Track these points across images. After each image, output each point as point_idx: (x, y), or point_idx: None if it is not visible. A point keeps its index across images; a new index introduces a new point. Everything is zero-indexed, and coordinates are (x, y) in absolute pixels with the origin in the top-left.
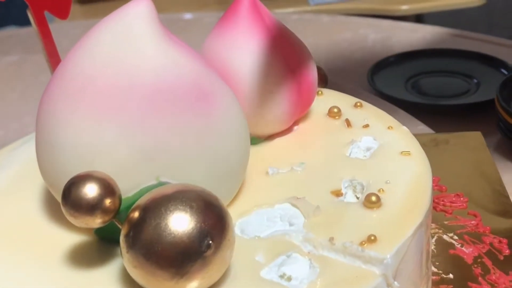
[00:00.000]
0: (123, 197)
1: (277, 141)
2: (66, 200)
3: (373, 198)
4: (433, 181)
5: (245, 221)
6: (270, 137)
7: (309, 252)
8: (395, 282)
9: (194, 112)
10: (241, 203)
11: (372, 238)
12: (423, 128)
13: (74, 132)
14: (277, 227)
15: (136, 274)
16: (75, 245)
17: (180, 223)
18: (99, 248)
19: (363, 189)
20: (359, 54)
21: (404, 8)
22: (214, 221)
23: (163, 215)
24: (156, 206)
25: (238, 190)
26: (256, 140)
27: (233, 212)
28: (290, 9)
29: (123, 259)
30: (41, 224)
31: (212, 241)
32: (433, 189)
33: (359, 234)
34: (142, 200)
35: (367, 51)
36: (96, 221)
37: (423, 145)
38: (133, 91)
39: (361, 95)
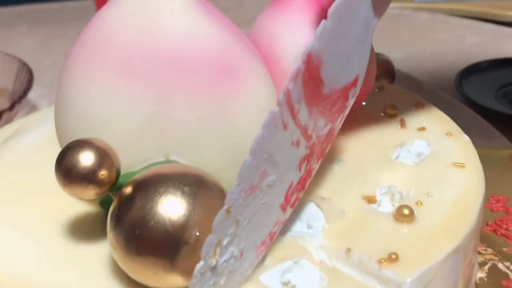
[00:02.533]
0: (128, 170)
1: None
2: (59, 166)
3: (406, 211)
4: (500, 201)
5: None
6: None
7: (321, 262)
8: None
9: (215, 88)
10: None
11: (394, 256)
12: (503, 141)
13: (87, 94)
14: (292, 227)
15: (116, 257)
16: (81, 215)
17: (168, 208)
18: (104, 221)
19: (401, 198)
20: (452, 56)
21: None
22: (206, 210)
23: (151, 196)
24: (147, 185)
25: None
26: None
27: None
28: (394, 4)
29: (108, 239)
30: (56, 192)
31: (199, 232)
32: (494, 210)
33: (380, 250)
34: (138, 176)
35: (462, 54)
36: (88, 193)
37: (499, 159)
38: (152, 56)
39: (441, 98)
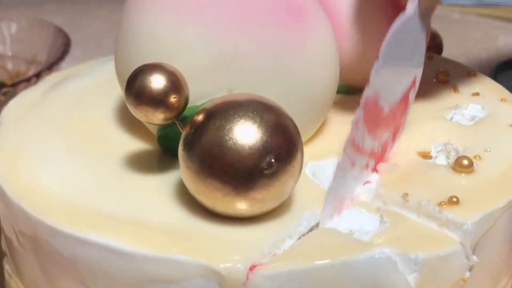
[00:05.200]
0: (191, 105)
1: None
2: (130, 88)
3: (465, 162)
4: None
5: (319, 165)
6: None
7: (378, 208)
8: (474, 256)
9: (282, 26)
10: (316, 146)
11: (454, 200)
12: None
13: (153, 24)
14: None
15: (187, 176)
16: (136, 153)
17: (246, 131)
18: (160, 159)
19: (456, 155)
20: (485, 54)
21: None
22: (282, 140)
23: (230, 118)
24: (225, 109)
25: (316, 132)
26: (349, 89)
27: (306, 151)
28: None
29: (179, 159)
30: (110, 130)
31: (275, 160)
32: None
33: (439, 195)
34: (210, 104)
35: (495, 52)
36: (158, 116)
37: None
38: None
39: None
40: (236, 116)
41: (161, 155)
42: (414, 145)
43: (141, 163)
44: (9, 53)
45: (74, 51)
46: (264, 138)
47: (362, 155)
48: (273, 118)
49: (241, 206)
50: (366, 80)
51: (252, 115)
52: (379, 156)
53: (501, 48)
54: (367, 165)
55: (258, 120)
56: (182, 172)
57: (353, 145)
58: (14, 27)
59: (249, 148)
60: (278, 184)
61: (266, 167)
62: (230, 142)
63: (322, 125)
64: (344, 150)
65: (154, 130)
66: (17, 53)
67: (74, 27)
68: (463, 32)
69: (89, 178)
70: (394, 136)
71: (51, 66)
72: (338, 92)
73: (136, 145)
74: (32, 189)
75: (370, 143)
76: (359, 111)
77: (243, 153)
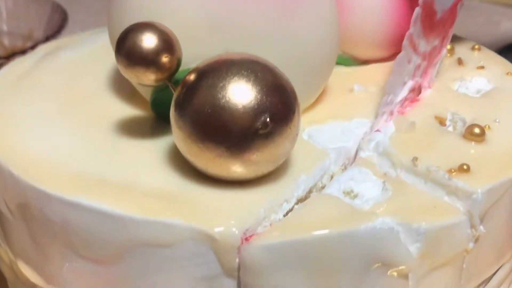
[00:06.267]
0: (185, 67)
1: (373, 66)
2: (121, 48)
3: (476, 130)
4: None
5: (316, 129)
6: (367, 62)
7: (385, 174)
8: (481, 227)
9: None
10: (315, 112)
11: (465, 167)
12: None
13: None
14: (352, 141)
15: (179, 138)
16: (129, 119)
17: (239, 89)
18: (153, 125)
19: (464, 125)
20: (488, 39)
21: None
22: (278, 100)
23: (223, 76)
24: (218, 68)
25: (314, 102)
26: (350, 61)
27: (304, 119)
28: None
29: (170, 120)
30: (104, 98)
31: (270, 120)
32: None
33: (450, 161)
34: (202, 63)
35: (497, 38)
36: (149, 77)
37: None
38: None
39: None
40: (230, 74)
41: (154, 122)
42: (432, 108)
43: (133, 129)
44: (6, 29)
45: (73, 29)
46: (258, 97)
47: (417, 55)
48: (268, 77)
49: (235, 168)
50: (367, 53)
51: (246, 73)
52: (426, 66)
53: (503, 34)
54: (419, 66)
55: (252, 79)
56: (174, 133)
57: (411, 42)
58: (10, 3)
59: (243, 107)
60: (273, 146)
61: (260, 127)
62: (223, 101)
63: (321, 95)
64: (403, 47)
65: (147, 95)
66: (14, 29)
67: (74, 5)
68: (465, 18)
69: (80, 143)
70: (441, 47)
71: (47, 41)
72: (339, 63)
73: (129, 112)
74: (21, 155)
75: (423, 46)
76: (418, 9)
77: (237, 112)
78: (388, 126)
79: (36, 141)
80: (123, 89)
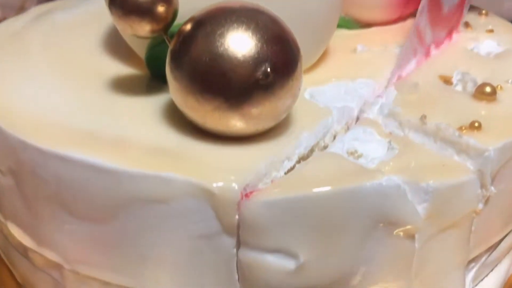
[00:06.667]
0: (182, 21)
1: (376, 29)
2: None
3: (487, 89)
4: None
5: (318, 90)
6: (369, 25)
7: (390, 133)
8: (492, 187)
9: None
10: (317, 73)
11: (476, 125)
12: None
13: None
14: (356, 101)
15: (175, 89)
16: (124, 77)
17: (239, 37)
18: (149, 84)
19: (475, 86)
20: None
21: None
22: (280, 49)
23: (222, 23)
24: (216, 15)
25: (317, 61)
26: (352, 24)
27: (306, 79)
28: None
29: (166, 72)
30: (98, 58)
31: (271, 70)
32: None
33: (460, 120)
34: (200, 11)
35: (501, 16)
36: (144, 27)
37: None
38: None
39: None
40: (229, 21)
41: (150, 81)
42: (436, 68)
43: (128, 88)
44: None
45: None
46: (259, 45)
47: (422, 46)
48: (270, 25)
49: (235, 122)
50: (371, 15)
51: (246, 20)
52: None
53: (506, 12)
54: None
55: (252, 26)
56: (170, 85)
57: (417, 32)
58: None
59: (242, 56)
60: (274, 99)
61: (261, 77)
62: (221, 49)
63: (323, 56)
64: (409, 37)
65: (141, 52)
66: (6, 1)
67: None
68: None
69: (74, 100)
70: (449, 34)
71: None
72: (341, 26)
73: (124, 71)
74: (13, 112)
75: (429, 36)
76: (424, 0)
77: (236, 61)
78: (390, 91)
79: (29, 99)
80: (118, 49)
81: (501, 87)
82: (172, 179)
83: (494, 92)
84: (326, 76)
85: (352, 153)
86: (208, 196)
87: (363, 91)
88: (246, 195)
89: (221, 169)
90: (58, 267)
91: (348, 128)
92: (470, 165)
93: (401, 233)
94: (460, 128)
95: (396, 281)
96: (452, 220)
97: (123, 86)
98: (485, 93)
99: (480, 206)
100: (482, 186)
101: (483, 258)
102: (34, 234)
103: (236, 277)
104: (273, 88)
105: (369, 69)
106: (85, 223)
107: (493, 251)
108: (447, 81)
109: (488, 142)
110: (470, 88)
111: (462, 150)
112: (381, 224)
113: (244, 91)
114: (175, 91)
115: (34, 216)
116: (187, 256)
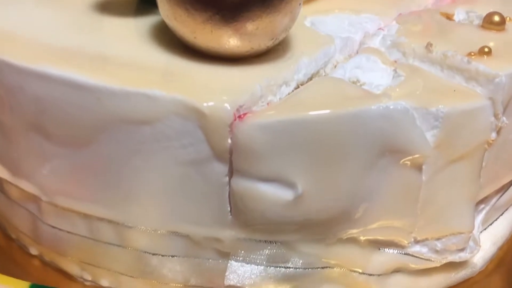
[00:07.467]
0: None
1: None
2: None
3: (496, 18)
4: None
5: (320, 19)
6: None
7: (396, 61)
8: (504, 117)
9: None
10: (320, 4)
11: (486, 50)
12: None
13: None
14: (359, 33)
15: (166, 8)
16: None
17: None
18: (138, 7)
19: (481, 20)
20: None
21: None
22: None
23: None
24: None
25: None
26: None
27: (307, 8)
28: None
29: None
30: None
31: None
32: None
33: (468, 47)
34: None
35: None
36: None
37: None
38: None
39: None
40: None
41: (138, 3)
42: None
43: (117, 8)
44: None
45: None
46: None
47: None
48: None
49: (228, 37)
50: None
51: None
52: None
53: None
54: None
55: None
56: (160, 6)
57: None
58: None
59: None
60: (271, 13)
61: None
62: None
63: None
64: None
65: None
66: None
67: None
68: None
69: (58, 18)
70: None
71: None
72: None
73: None
74: None
75: None
76: None
77: None
78: (391, 24)
79: (10, 16)
80: None
81: (510, 19)
82: (157, 97)
83: (503, 21)
84: (330, 7)
85: (354, 82)
86: (198, 117)
87: (368, 25)
88: (240, 117)
89: (212, 88)
90: (35, 199)
91: None
92: (480, 91)
93: (408, 163)
94: (469, 54)
95: (400, 219)
96: (463, 151)
97: (111, 7)
98: (493, 22)
99: (493, 135)
100: (495, 114)
101: (493, 200)
102: (9, 164)
103: (228, 208)
104: (270, 1)
105: (374, 6)
106: (63, 149)
107: (503, 193)
108: (449, 17)
109: (499, 68)
110: (477, 21)
111: (471, 77)
112: (387, 152)
113: (239, 3)
114: (163, 3)
115: (9, 144)
116: (174, 185)
